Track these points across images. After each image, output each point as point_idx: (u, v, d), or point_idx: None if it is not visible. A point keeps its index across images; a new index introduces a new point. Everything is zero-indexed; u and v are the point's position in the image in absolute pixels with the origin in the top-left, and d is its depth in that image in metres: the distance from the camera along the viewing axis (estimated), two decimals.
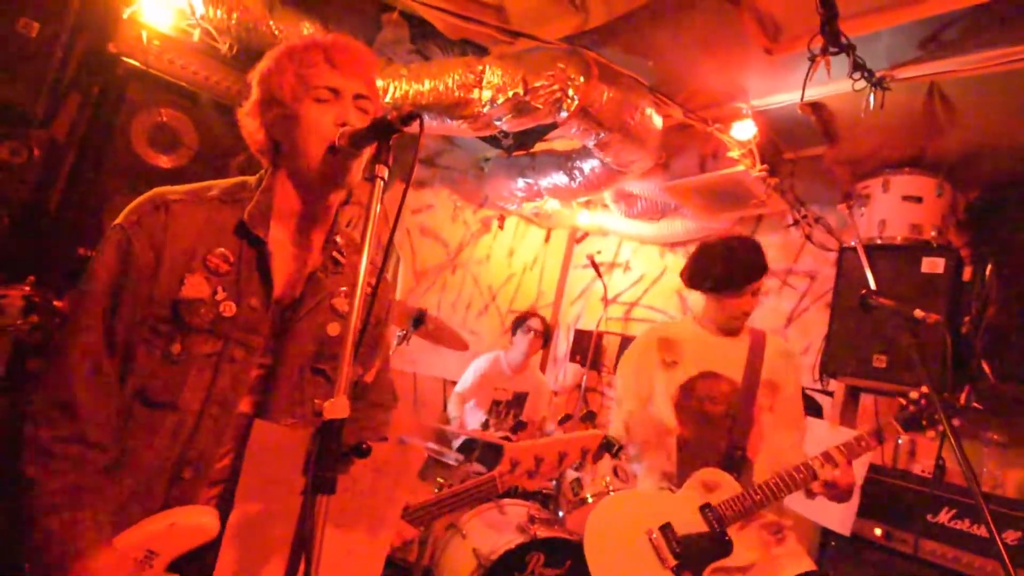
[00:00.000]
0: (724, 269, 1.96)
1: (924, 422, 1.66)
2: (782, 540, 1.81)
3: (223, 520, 1.05)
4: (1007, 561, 1.18)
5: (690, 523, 1.75)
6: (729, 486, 1.78)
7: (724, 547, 1.72)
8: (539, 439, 1.40)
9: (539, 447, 1.33)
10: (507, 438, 2.86)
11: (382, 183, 0.94)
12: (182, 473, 1.03)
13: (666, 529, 1.76)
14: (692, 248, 3.98)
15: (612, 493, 2.80)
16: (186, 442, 1.03)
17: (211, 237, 1.06)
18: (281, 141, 1.11)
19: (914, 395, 1.69)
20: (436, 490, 2.44)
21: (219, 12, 2.38)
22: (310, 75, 1.07)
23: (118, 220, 1.05)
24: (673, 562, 1.72)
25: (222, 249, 1.05)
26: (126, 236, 1.02)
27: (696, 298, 3.91)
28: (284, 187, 1.11)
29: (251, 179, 1.15)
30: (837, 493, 1.70)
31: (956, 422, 1.56)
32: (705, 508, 1.75)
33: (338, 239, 1.17)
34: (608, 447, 1.51)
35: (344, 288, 1.16)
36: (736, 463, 1.85)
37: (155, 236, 1.03)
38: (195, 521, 1.04)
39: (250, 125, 1.13)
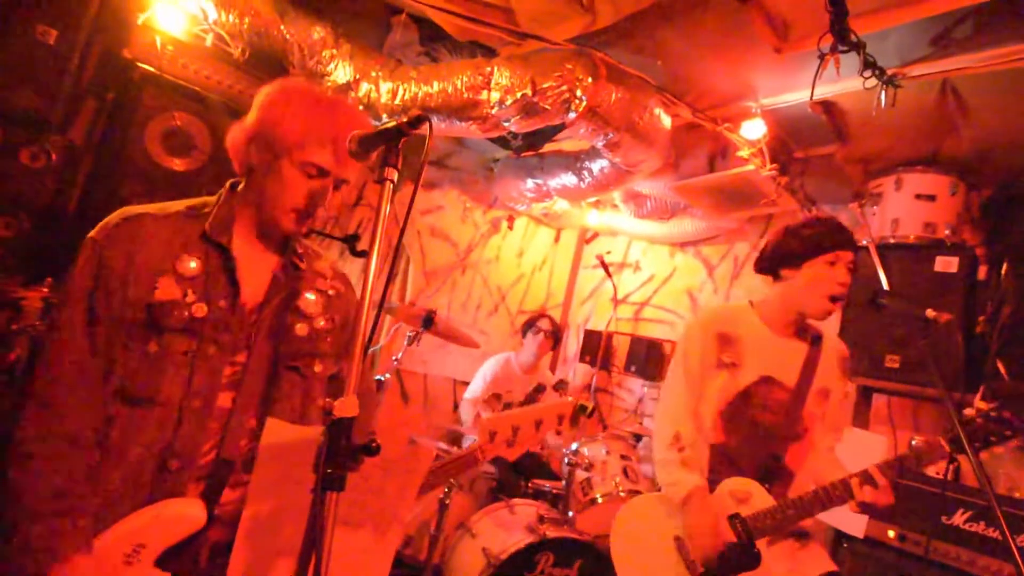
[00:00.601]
0: (821, 228, 1.73)
1: (978, 444, 1.48)
2: (805, 545, 1.75)
3: (210, 510, 1.08)
4: (1021, 564, 1.17)
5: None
6: (761, 498, 1.67)
7: (752, 560, 1.63)
8: (514, 409, 1.43)
9: (514, 416, 1.36)
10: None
11: (391, 185, 0.97)
12: (169, 464, 1.06)
13: None
14: (701, 247, 4.02)
15: (622, 493, 2.81)
16: (172, 434, 1.07)
17: (179, 245, 1.12)
18: (254, 173, 1.17)
19: (969, 412, 1.54)
20: (445, 489, 2.46)
21: (231, 17, 2.42)
22: (310, 150, 1.12)
23: (91, 234, 1.11)
24: (700, 569, 1.66)
25: (189, 256, 1.12)
26: (97, 246, 1.09)
27: (708, 298, 3.94)
28: (246, 209, 1.19)
29: (211, 199, 1.21)
30: (874, 513, 1.59)
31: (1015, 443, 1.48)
32: (734, 519, 1.67)
33: (296, 247, 1.25)
34: (583, 410, 1.47)
35: (306, 292, 1.23)
36: (771, 473, 1.72)
37: (124, 244, 1.09)
38: (182, 512, 1.06)
39: (238, 137, 1.19)
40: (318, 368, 1.23)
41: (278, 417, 1.13)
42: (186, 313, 1.08)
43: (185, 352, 1.08)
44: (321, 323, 1.23)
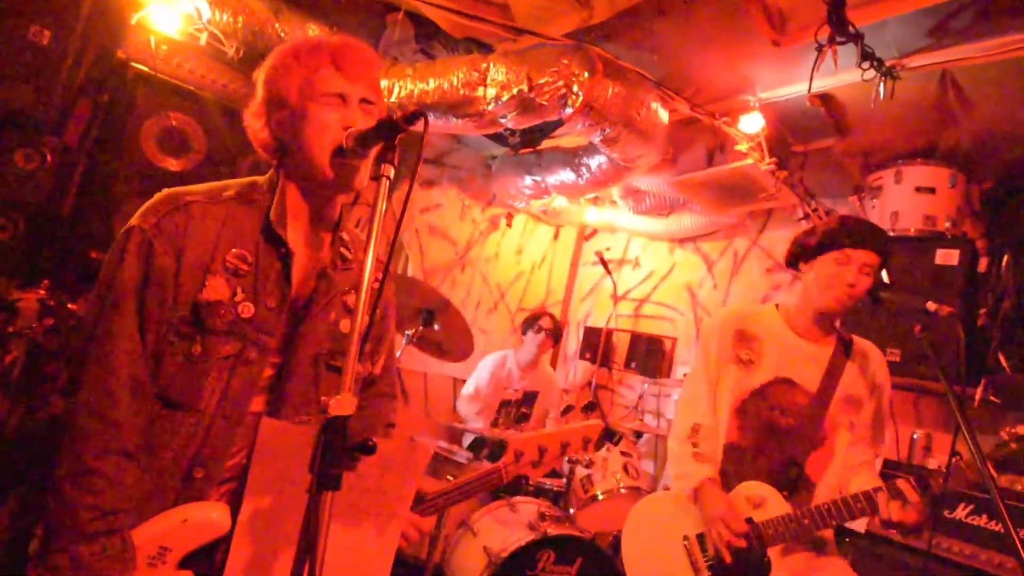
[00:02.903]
0: (835, 225, 1.69)
1: None
2: (822, 553, 1.69)
3: (234, 516, 1.06)
4: (1023, 555, 1.16)
5: None
6: (776, 504, 1.63)
7: (761, 567, 1.59)
8: (542, 430, 1.41)
9: (542, 438, 1.35)
10: (522, 416, 2.87)
11: (388, 182, 0.95)
12: (194, 472, 1.04)
13: (703, 537, 1.69)
14: (700, 243, 4.01)
15: (623, 490, 2.80)
16: (200, 442, 1.04)
17: (229, 237, 1.06)
18: (288, 142, 1.11)
19: (1022, 430, 1.49)
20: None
21: (225, 16, 2.41)
22: (317, 80, 1.08)
23: (135, 222, 1.04)
24: (707, 573, 1.64)
25: (240, 250, 1.06)
26: (146, 239, 1.01)
27: (707, 294, 3.93)
28: (291, 187, 1.12)
29: (261, 180, 1.14)
30: (903, 531, 1.48)
31: None
32: (746, 523, 1.63)
33: (345, 236, 1.18)
34: (610, 436, 1.42)
35: (352, 288, 1.17)
36: (790, 481, 1.67)
37: (175, 238, 1.02)
38: (207, 517, 1.05)
39: (255, 125, 1.14)
40: (359, 368, 1.16)
41: (312, 419, 1.10)
42: (232, 314, 1.03)
43: (227, 356, 1.03)
44: (365, 318, 1.19)
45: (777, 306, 1.85)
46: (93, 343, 0.99)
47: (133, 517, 1.00)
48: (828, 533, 1.71)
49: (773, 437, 1.71)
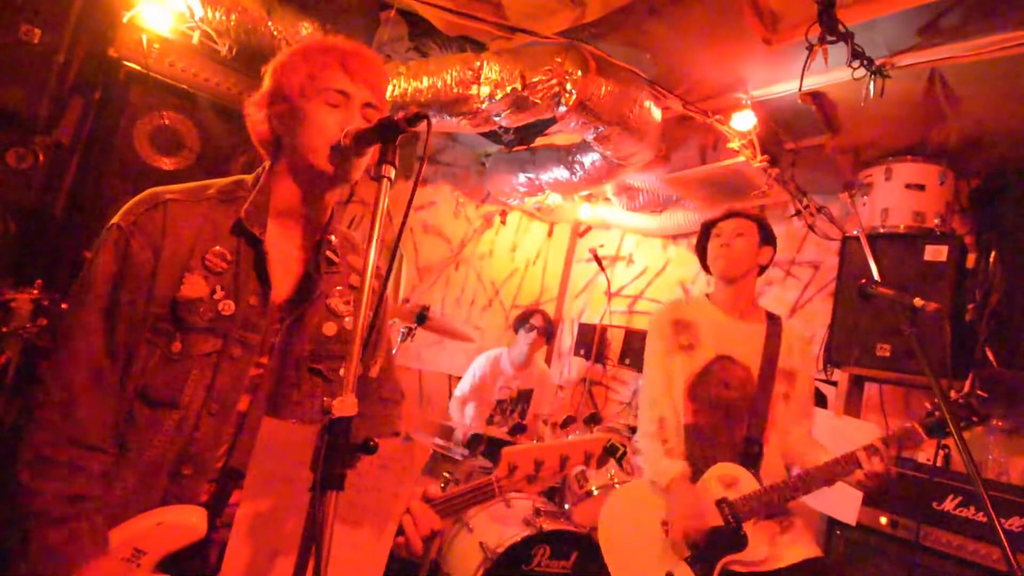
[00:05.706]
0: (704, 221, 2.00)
1: (947, 430, 1.51)
2: (788, 528, 1.80)
3: (214, 518, 1.05)
4: (1007, 546, 1.19)
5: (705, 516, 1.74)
6: (747, 482, 1.76)
7: (738, 542, 1.71)
8: (540, 442, 1.36)
9: (539, 450, 1.24)
10: (520, 427, 2.86)
11: (389, 183, 0.94)
12: (182, 469, 1.03)
13: None
14: (694, 239, 4.03)
15: (617, 486, 2.82)
16: (187, 439, 1.03)
17: (209, 236, 1.06)
18: (283, 136, 1.11)
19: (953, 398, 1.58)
20: (442, 486, 2.47)
21: (218, 14, 2.40)
22: (322, 77, 1.08)
23: (114, 220, 1.04)
24: (687, 553, 1.72)
25: (220, 248, 1.05)
26: (124, 236, 1.02)
27: (701, 290, 3.95)
28: (282, 184, 1.11)
29: (248, 178, 1.14)
30: (879, 485, 1.62)
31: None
32: (721, 503, 1.74)
33: (332, 239, 1.17)
34: (612, 451, 1.32)
35: (339, 288, 1.17)
36: (753, 457, 1.81)
37: (152, 235, 1.02)
38: (183, 520, 1.04)
39: (255, 115, 1.14)
40: (343, 372, 1.15)
41: (298, 421, 1.10)
42: (212, 311, 1.02)
43: (209, 353, 1.03)
44: (350, 322, 1.15)
45: (708, 296, 2.07)
46: (61, 336, 1.00)
47: (102, 504, 0.98)
48: (795, 506, 1.83)
49: (722, 412, 1.86)
